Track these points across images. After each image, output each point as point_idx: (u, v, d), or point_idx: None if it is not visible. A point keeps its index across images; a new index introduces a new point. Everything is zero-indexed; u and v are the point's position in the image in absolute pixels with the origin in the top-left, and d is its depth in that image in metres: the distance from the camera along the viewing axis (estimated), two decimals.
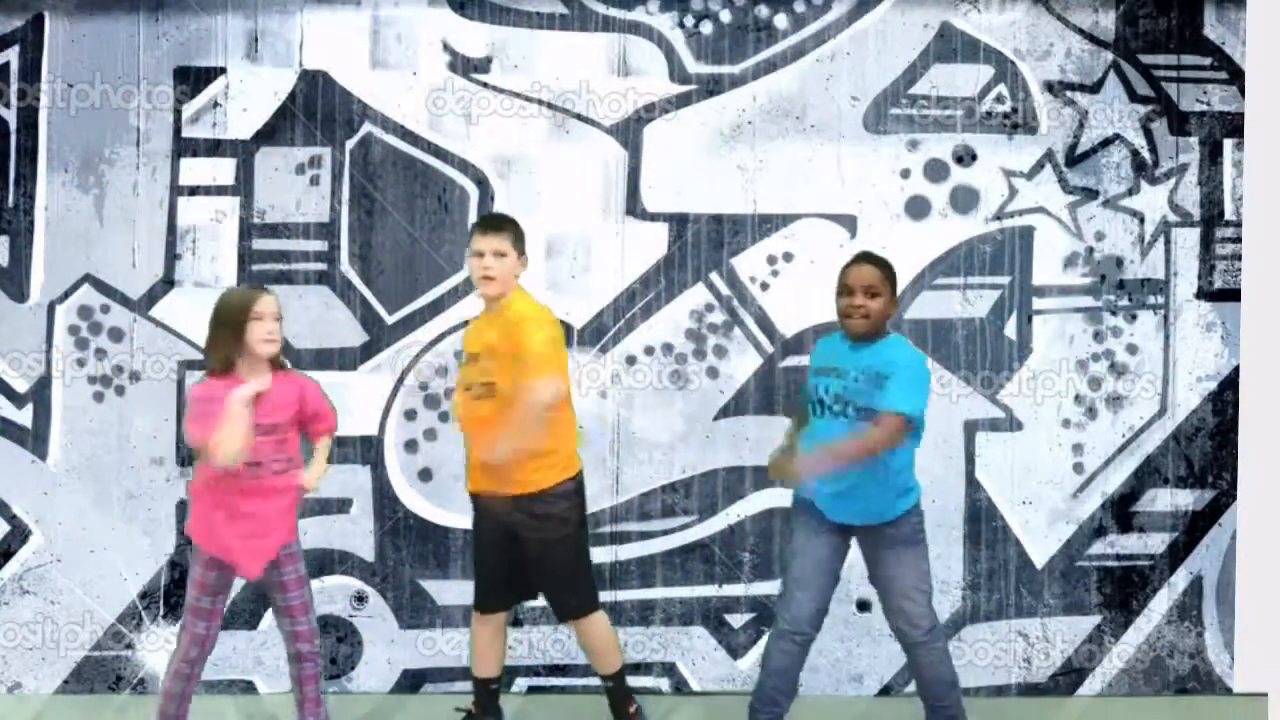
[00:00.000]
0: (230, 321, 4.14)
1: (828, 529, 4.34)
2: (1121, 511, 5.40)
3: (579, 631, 4.54)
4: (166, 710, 4.31)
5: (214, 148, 5.31)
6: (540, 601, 4.68)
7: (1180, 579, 5.39)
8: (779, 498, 5.34)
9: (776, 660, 4.40)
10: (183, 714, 4.34)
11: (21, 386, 5.27)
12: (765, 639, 4.50)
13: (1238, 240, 5.40)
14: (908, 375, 4.17)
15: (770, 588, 5.34)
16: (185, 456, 5.25)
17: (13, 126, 5.28)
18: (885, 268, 4.32)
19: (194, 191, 5.30)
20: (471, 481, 4.49)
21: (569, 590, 4.50)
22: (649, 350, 5.36)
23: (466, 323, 5.30)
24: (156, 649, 5.27)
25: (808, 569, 4.35)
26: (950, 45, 5.39)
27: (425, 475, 5.33)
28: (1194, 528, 5.40)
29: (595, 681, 5.26)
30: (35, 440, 5.26)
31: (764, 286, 5.36)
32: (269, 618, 5.26)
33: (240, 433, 4.02)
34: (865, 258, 4.36)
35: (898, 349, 4.28)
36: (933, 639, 4.34)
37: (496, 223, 4.45)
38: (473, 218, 5.34)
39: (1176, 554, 5.39)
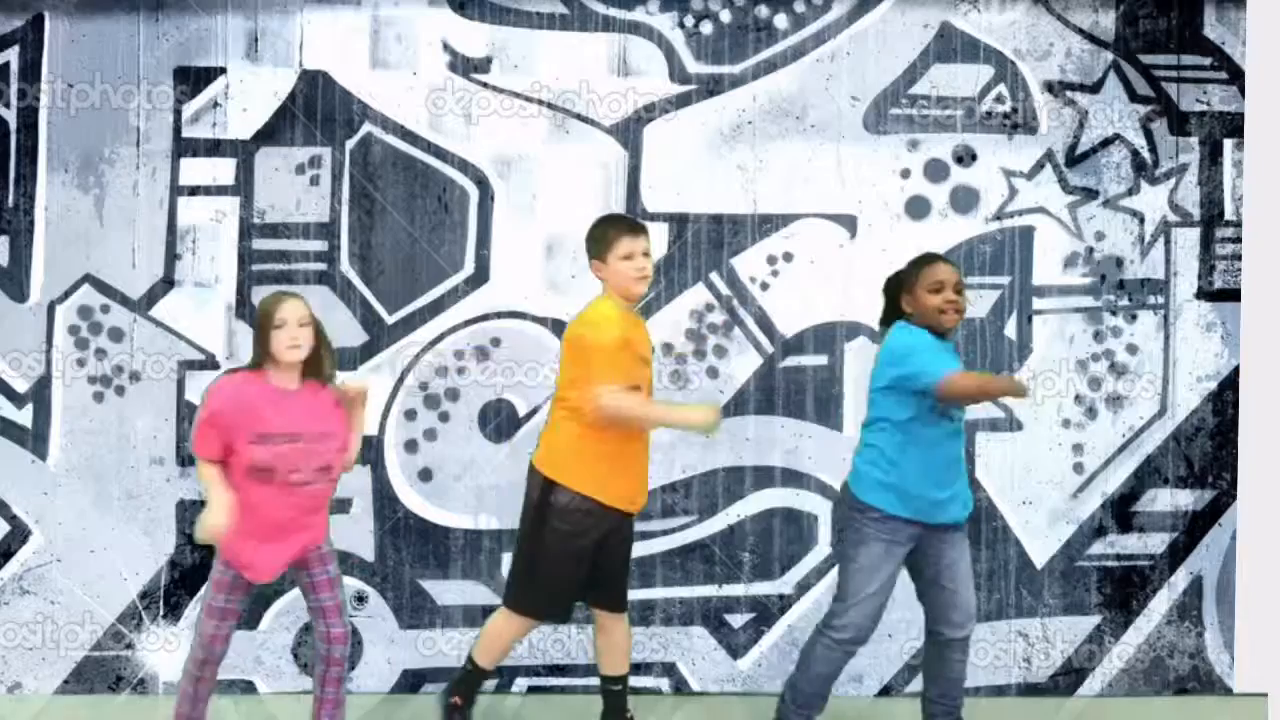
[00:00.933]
0: (258, 326, 4.14)
1: (908, 540, 4.30)
2: (1121, 511, 5.40)
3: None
4: (180, 710, 4.32)
5: (214, 148, 5.31)
6: None
7: (1180, 579, 5.39)
8: (779, 498, 5.34)
9: (822, 668, 4.37)
10: (198, 715, 4.33)
11: (21, 386, 5.26)
12: (809, 639, 4.43)
13: (1238, 240, 5.40)
14: (946, 350, 4.35)
15: (770, 588, 5.34)
16: (185, 457, 5.25)
17: (13, 126, 5.28)
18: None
19: (194, 191, 5.30)
20: (637, 497, 4.43)
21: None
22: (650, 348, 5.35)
23: (466, 323, 5.31)
24: (156, 649, 5.27)
25: (886, 584, 4.31)
26: (950, 45, 5.39)
27: (425, 475, 5.33)
28: (1194, 528, 5.40)
29: (594, 681, 5.27)
30: (35, 440, 5.26)
31: (764, 286, 5.36)
32: (269, 618, 5.26)
33: (218, 507, 4.05)
34: (942, 258, 4.40)
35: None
36: (972, 633, 4.45)
37: (643, 225, 4.43)
38: (473, 218, 5.34)
39: (1176, 554, 5.39)
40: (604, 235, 4.38)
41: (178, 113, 5.30)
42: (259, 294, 5.27)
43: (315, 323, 4.19)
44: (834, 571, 5.31)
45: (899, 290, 4.41)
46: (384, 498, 5.31)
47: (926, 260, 4.38)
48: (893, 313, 4.44)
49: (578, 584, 4.40)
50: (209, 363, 5.25)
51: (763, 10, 5.38)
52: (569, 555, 4.33)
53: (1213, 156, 5.41)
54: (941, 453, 4.26)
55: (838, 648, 4.34)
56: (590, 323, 4.29)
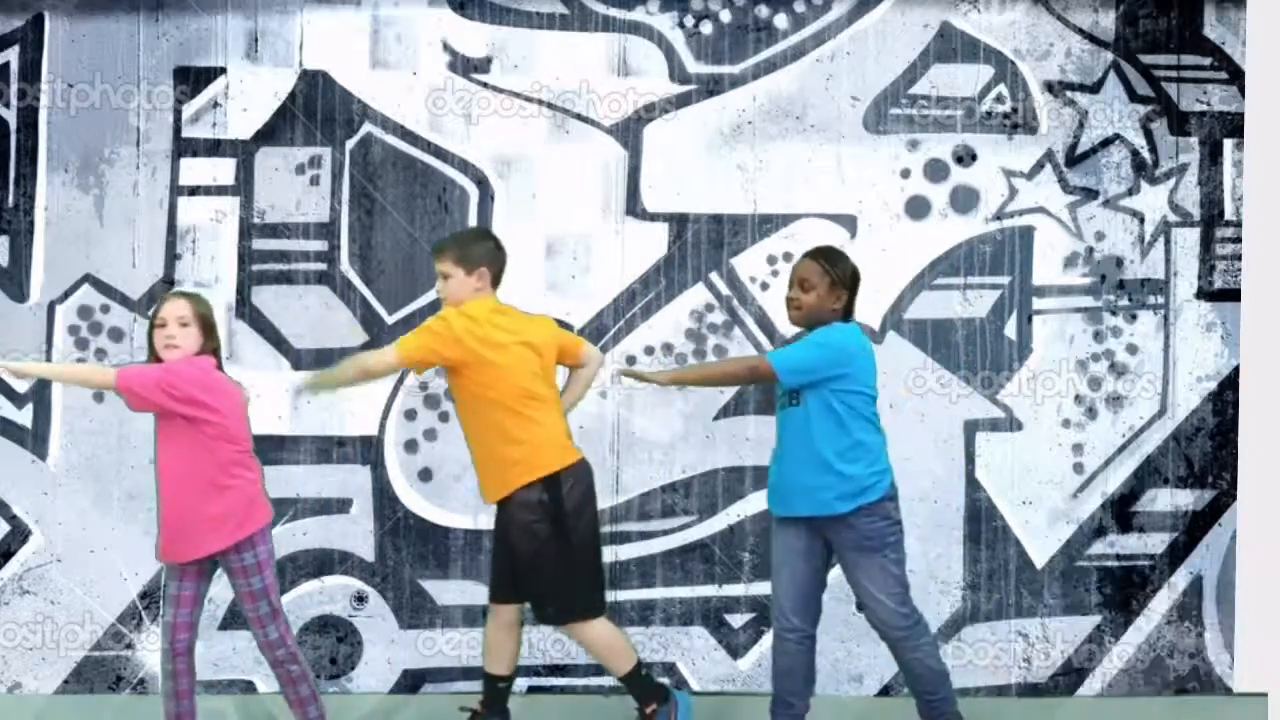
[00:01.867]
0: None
1: (794, 524, 4.35)
2: (1121, 511, 5.40)
3: (575, 638, 4.55)
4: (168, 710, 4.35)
5: (214, 148, 5.31)
6: None
7: (1180, 579, 5.39)
8: None
9: (777, 662, 4.43)
10: (184, 713, 4.35)
11: (21, 386, 5.26)
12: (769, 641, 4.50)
13: (1238, 240, 5.39)
14: (807, 342, 4.31)
15: (770, 588, 5.33)
16: None
17: (13, 126, 5.28)
18: (826, 262, 4.33)
19: (194, 191, 5.30)
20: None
21: (546, 599, 4.45)
22: (649, 350, 5.36)
23: None
24: (156, 649, 5.26)
25: (777, 562, 4.39)
26: (950, 45, 5.39)
27: (425, 475, 5.33)
28: (1194, 528, 5.40)
29: (595, 681, 5.27)
30: (35, 440, 5.26)
31: (764, 286, 5.36)
32: None
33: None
34: (813, 252, 4.41)
35: (822, 331, 4.32)
36: (914, 635, 4.32)
37: (436, 248, 4.55)
38: (473, 218, 5.34)
39: (1176, 554, 5.39)
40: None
41: (178, 113, 5.30)
42: (259, 294, 5.28)
43: (200, 319, 4.29)
44: (835, 571, 5.33)
45: None
46: (384, 498, 5.31)
47: (800, 257, 4.45)
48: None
49: (499, 567, 4.56)
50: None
51: (763, 10, 5.38)
52: (564, 550, 4.41)
53: (1213, 156, 5.41)
54: (786, 441, 4.33)
55: (779, 639, 4.42)
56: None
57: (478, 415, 4.38)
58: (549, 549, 4.36)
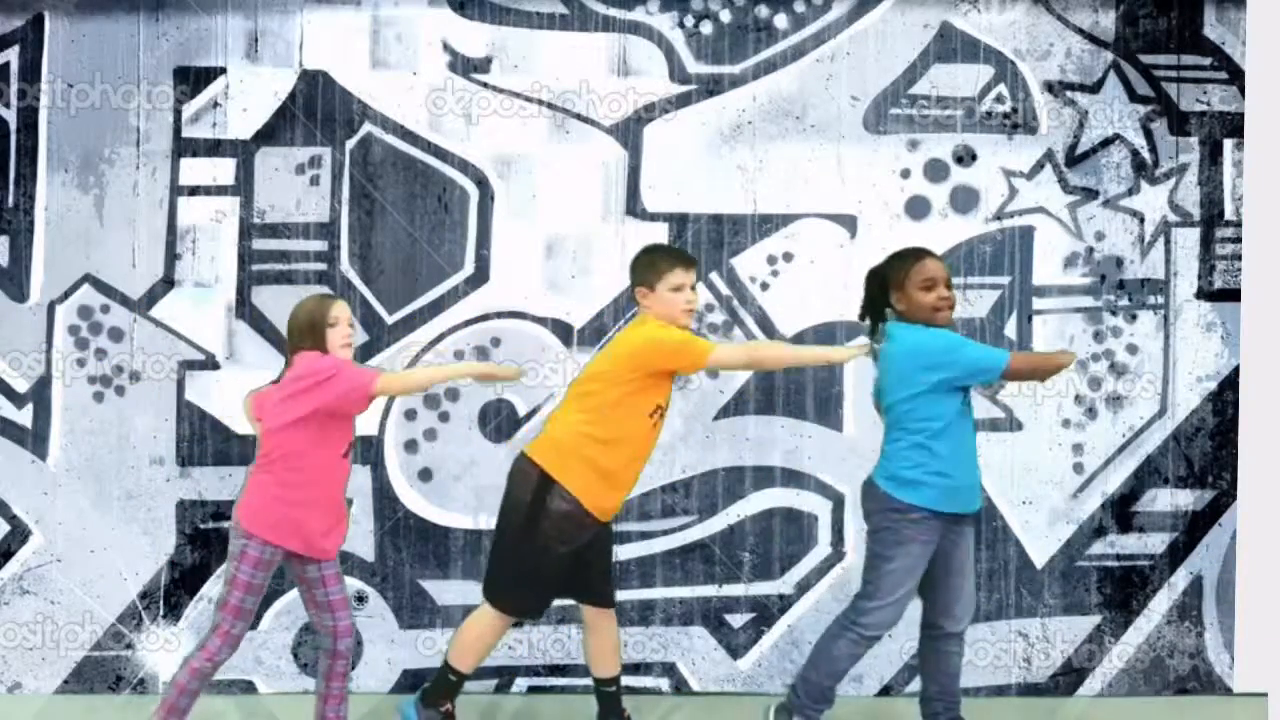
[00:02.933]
0: (315, 326, 4.34)
1: (940, 537, 4.34)
2: (1121, 511, 5.40)
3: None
4: (179, 705, 4.32)
5: (214, 148, 5.31)
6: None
7: (1180, 579, 5.39)
8: (779, 498, 5.34)
9: (846, 663, 4.44)
10: (189, 710, 4.37)
11: (21, 386, 5.26)
12: (828, 634, 4.45)
13: (1238, 240, 5.40)
14: (966, 341, 4.42)
15: (770, 588, 5.34)
16: (185, 457, 5.25)
17: (13, 126, 5.28)
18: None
19: (194, 191, 5.30)
20: (617, 508, 4.49)
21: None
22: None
23: (466, 323, 5.31)
24: (156, 649, 5.27)
25: (918, 582, 4.38)
26: (950, 45, 5.39)
27: (425, 475, 5.33)
28: (1194, 528, 5.40)
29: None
30: (35, 440, 5.26)
31: (764, 286, 5.36)
32: (269, 618, 5.26)
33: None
34: (928, 252, 4.41)
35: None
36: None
37: (694, 259, 4.55)
38: (473, 218, 5.34)
39: (1176, 554, 5.39)
40: (655, 264, 4.41)
41: (178, 113, 5.30)
42: (259, 294, 5.28)
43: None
44: (835, 571, 5.32)
45: (881, 285, 4.40)
46: (384, 498, 5.31)
47: (914, 256, 4.37)
48: (874, 306, 4.44)
49: (560, 585, 4.47)
50: (209, 363, 5.25)
51: (763, 10, 5.38)
52: (556, 560, 4.37)
53: (1213, 156, 5.41)
54: (971, 441, 4.37)
55: (865, 643, 4.38)
56: (658, 329, 4.35)
57: (652, 434, 4.40)
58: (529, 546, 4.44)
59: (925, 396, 4.25)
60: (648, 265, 4.42)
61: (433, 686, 4.57)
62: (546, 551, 4.34)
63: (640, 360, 4.29)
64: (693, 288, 4.41)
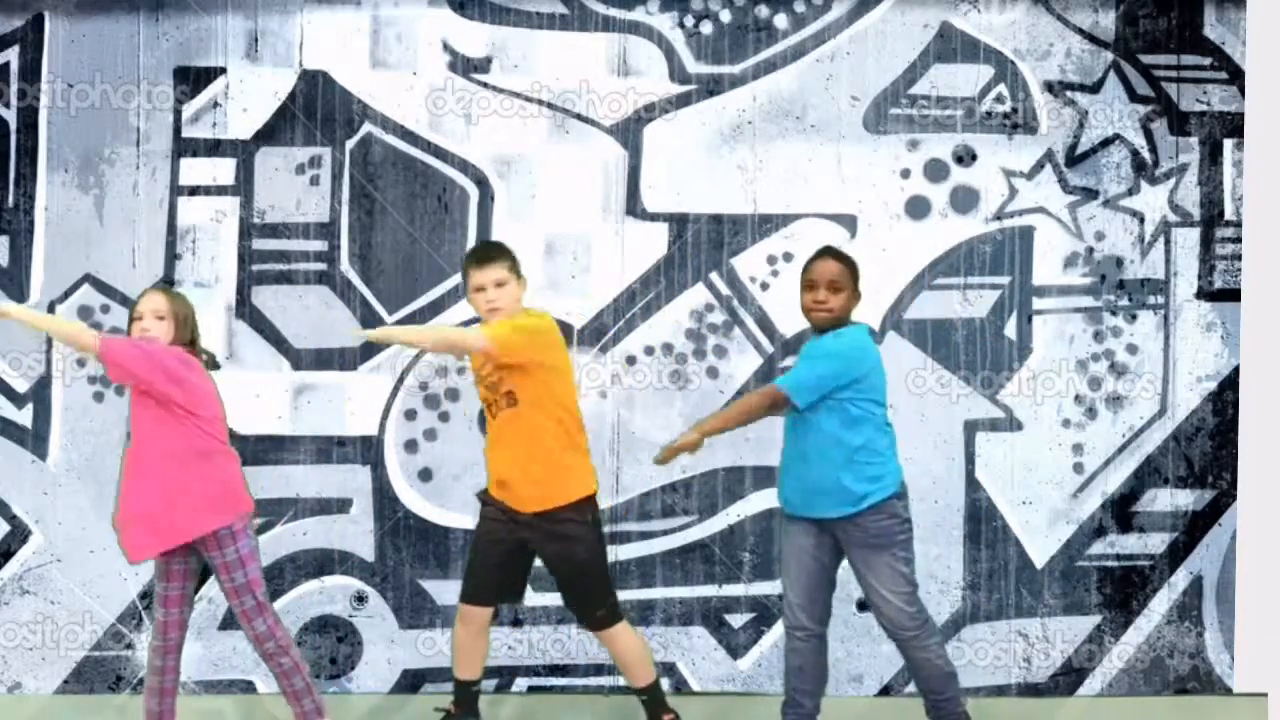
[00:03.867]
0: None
1: (803, 522, 4.36)
2: (1121, 511, 5.40)
3: (605, 642, 4.56)
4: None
5: (214, 148, 5.31)
6: (538, 601, 4.69)
7: (1180, 579, 5.39)
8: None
9: (788, 660, 4.46)
10: (166, 711, 4.40)
11: (21, 386, 5.26)
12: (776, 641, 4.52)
13: (1238, 240, 5.39)
14: (807, 355, 4.31)
15: (770, 588, 5.34)
16: None
17: (13, 126, 5.28)
18: (848, 262, 4.38)
19: (194, 191, 5.30)
20: (491, 489, 4.51)
21: (600, 601, 4.50)
22: (649, 350, 5.36)
23: (466, 323, 5.30)
24: None
25: (789, 562, 4.41)
26: (950, 45, 5.39)
27: (425, 475, 5.33)
28: (1194, 528, 5.40)
29: (595, 681, 5.27)
30: (35, 440, 5.26)
31: (764, 286, 5.36)
32: None
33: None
34: (829, 252, 4.42)
35: (830, 338, 4.31)
36: (923, 635, 4.34)
37: (490, 254, 4.46)
38: (473, 218, 5.34)
39: (1176, 554, 5.39)
40: (463, 270, 4.53)
41: (178, 113, 5.30)
42: (259, 294, 5.28)
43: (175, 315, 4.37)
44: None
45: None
46: (384, 498, 5.31)
47: (813, 257, 4.43)
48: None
49: (484, 572, 4.49)
50: (209, 363, 5.24)
51: (763, 10, 5.38)
52: (475, 542, 4.56)
53: (1213, 156, 5.41)
54: (798, 448, 4.34)
55: (786, 639, 4.47)
56: None
57: (541, 422, 4.35)
58: (602, 554, 4.48)
59: None
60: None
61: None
62: (476, 540, 4.56)
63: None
64: (489, 287, 4.37)
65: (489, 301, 4.37)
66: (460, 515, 5.30)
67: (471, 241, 5.32)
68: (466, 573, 4.56)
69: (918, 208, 5.38)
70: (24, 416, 5.27)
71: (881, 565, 4.28)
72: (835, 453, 4.23)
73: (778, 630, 5.35)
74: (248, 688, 5.29)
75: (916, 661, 4.38)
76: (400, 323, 5.31)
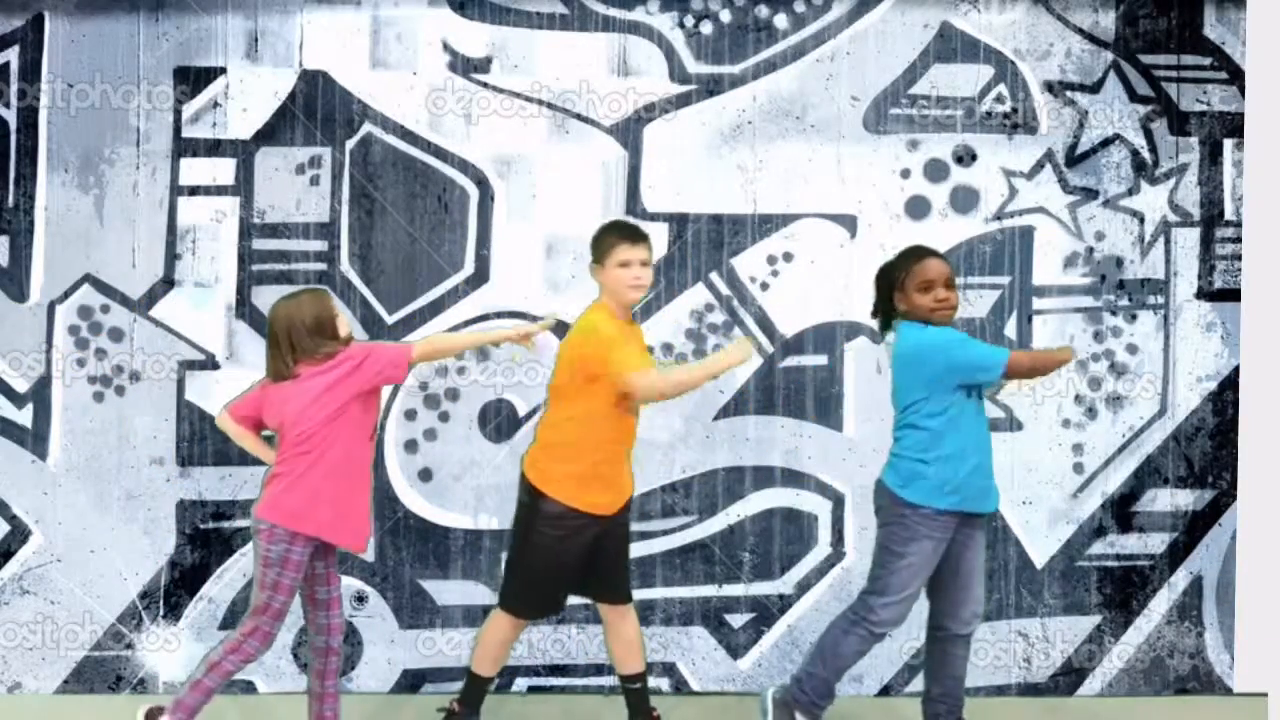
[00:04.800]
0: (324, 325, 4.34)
1: (951, 535, 4.35)
2: (1121, 511, 5.40)
3: (620, 620, 4.54)
4: (197, 706, 4.33)
5: (214, 148, 5.31)
6: None
7: (1180, 579, 5.39)
8: (779, 498, 5.34)
9: (853, 660, 4.47)
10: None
11: (21, 386, 5.26)
12: (835, 630, 4.47)
13: (1238, 240, 5.40)
14: (960, 339, 4.36)
15: (770, 588, 5.34)
16: (185, 457, 5.25)
17: (13, 126, 5.28)
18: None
19: (194, 191, 5.30)
20: (618, 501, 4.46)
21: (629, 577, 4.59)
22: (649, 350, 5.35)
23: (466, 323, 5.31)
24: (156, 649, 5.27)
25: (928, 576, 4.39)
26: (950, 45, 5.39)
27: (425, 475, 5.33)
28: (1194, 528, 5.40)
29: (595, 681, 5.27)
30: (35, 440, 5.26)
31: (764, 286, 5.36)
32: None
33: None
34: (930, 251, 4.42)
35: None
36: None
37: (642, 233, 4.46)
38: (473, 218, 5.34)
39: (1176, 554, 5.39)
40: (602, 240, 4.42)
41: (178, 113, 5.30)
42: (259, 294, 5.28)
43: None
44: (835, 571, 5.32)
45: (889, 283, 4.42)
46: (384, 498, 5.31)
47: (915, 256, 4.38)
48: (883, 305, 4.46)
49: (565, 584, 4.46)
50: (209, 363, 5.25)
51: (763, 10, 5.38)
52: (556, 558, 4.37)
53: (1213, 156, 5.41)
54: (982, 441, 4.35)
55: (873, 640, 4.41)
56: (581, 331, 4.35)
57: (625, 423, 4.42)
58: (534, 556, 4.47)
59: (928, 394, 4.27)
60: (597, 242, 4.45)
61: (463, 693, 4.60)
62: (549, 552, 4.35)
63: (578, 369, 4.32)
64: (644, 263, 4.37)
65: (637, 279, 4.35)
66: (460, 515, 5.30)
67: (472, 241, 5.32)
68: (542, 591, 4.46)
69: (918, 208, 5.38)
70: (24, 416, 5.26)
71: (984, 554, 4.46)
72: (989, 442, 4.40)
73: (778, 630, 5.35)
74: (248, 688, 5.29)
75: (959, 660, 4.44)
76: (400, 322, 5.31)
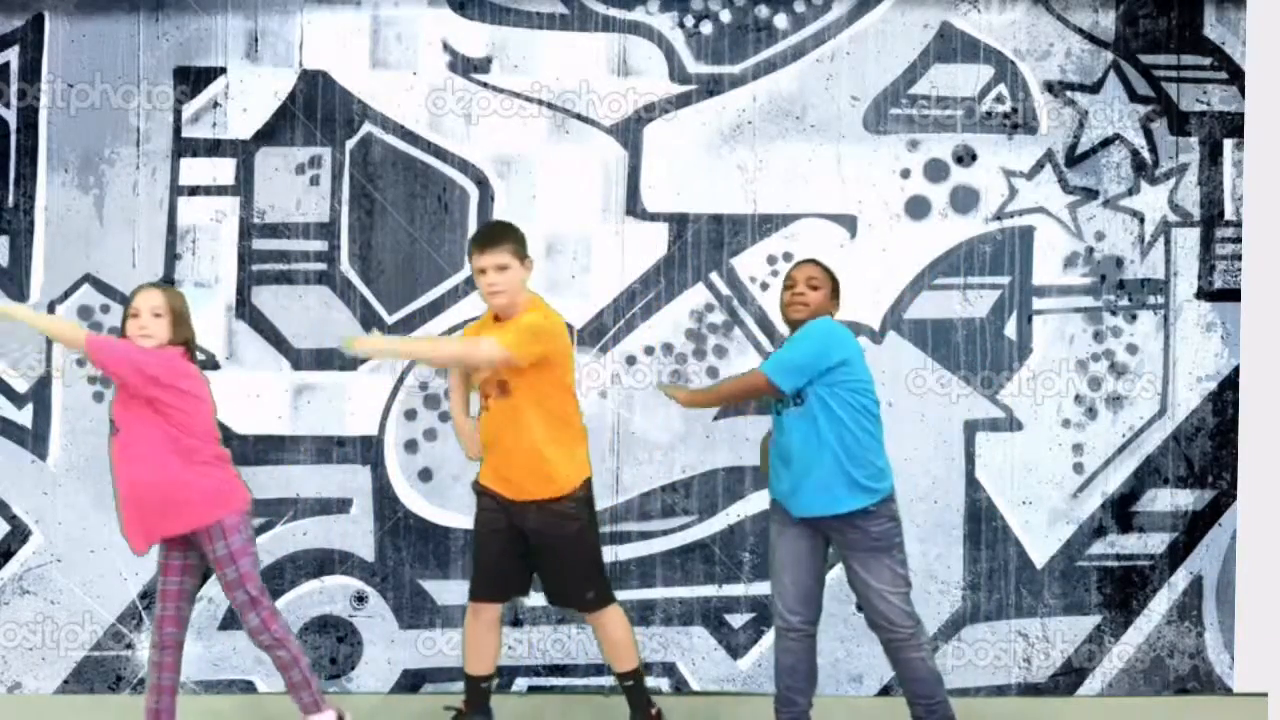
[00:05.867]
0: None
1: (796, 522, 4.35)
2: (1121, 511, 5.40)
3: (596, 625, 4.52)
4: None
5: (214, 148, 5.31)
6: (539, 601, 4.68)
7: (1180, 579, 5.39)
8: None
9: (780, 659, 4.45)
10: (164, 710, 4.39)
11: (21, 386, 5.27)
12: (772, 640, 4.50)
13: (1238, 240, 5.40)
14: (787, 342, 4.37)
15: (770, 588, 5.34)
16: None
17: (13, 126, 5.28)
18: (828, 270, 4.45)
19: (194, 191, 5.31)
20: (483, 478, 4.48)
21: (592, 584, 4.48)
22: (649, 350, 5.36)
23: (466, 323, 5.30)
24: None
25: (784, 561, 4.39)
26: (950, 45, 5.39)
27: (425, 475, 5.33)
28: (1194, 528, 5.40)
29: (595, 681, 5.27)
30: (35, 440, 5.27)
31: (764, 286, 5.36)
32: None
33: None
34: (810, 260, 4.51)
35: (807, 325, 4.34)
36: (917, 635, 4.34)
37: (493, 236, 4.38)
38: (473, 218, 5.34)
39: (1176, 554, 5.39)
40: (467, 251, 4.50)
41: (178, 113, 5.30)
42: (259, 294, 5.28)
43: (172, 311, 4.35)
44: (835, 571, 5.33)
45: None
46: (384, 498, 5.31)
47: (794, 265, 4.54)
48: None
49: (495, 567, 4.46)
50: (209, 362, 5.25)
51: (763, 10, 5.38)
52: (479, 533, 4.48)
53: (1213, 156, 5.41)
54: (782, 442, 4.33)
55: (777, 638, 4.45)
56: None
57: (534, 411, 4.32)
58: (595, 531, 4.47)
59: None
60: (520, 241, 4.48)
61: (465, 695, 4.59)
62: (476, 526, 4.50)
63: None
64: (489, 270, 4.31)
65: (490, 285, 4.32)
66: (460, 515, 5.30)
67: None
68: (473, 568, 4.54)
69: (918, 208, 5.38)
70: (24, 416, 5.27)
71: (882, 567, 4.28)
72: (836, 451, 4.21)
73: None
74: (248, 688, 5.29)
75: (909, 664, 4.36)
76: (400, 322, 5.31)
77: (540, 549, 4.42)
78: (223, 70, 5.31)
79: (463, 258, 5.30)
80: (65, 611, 5.27)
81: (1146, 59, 5.40)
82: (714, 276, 5.36)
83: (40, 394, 5.26)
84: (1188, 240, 5.41)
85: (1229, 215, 5.40)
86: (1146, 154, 5.40)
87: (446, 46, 5.34)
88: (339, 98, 5.32)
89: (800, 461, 4.26)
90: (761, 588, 5.35)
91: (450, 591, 5.31)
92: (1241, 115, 5.39)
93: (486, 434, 4.42)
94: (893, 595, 4.29)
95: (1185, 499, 5.40)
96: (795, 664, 4.42)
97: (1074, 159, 5.39)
